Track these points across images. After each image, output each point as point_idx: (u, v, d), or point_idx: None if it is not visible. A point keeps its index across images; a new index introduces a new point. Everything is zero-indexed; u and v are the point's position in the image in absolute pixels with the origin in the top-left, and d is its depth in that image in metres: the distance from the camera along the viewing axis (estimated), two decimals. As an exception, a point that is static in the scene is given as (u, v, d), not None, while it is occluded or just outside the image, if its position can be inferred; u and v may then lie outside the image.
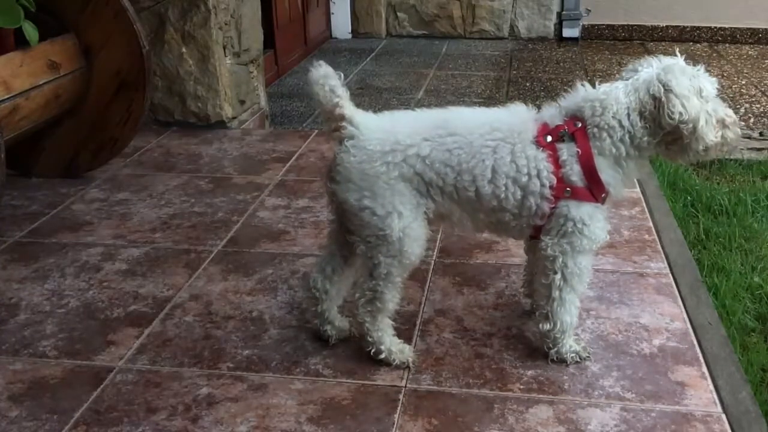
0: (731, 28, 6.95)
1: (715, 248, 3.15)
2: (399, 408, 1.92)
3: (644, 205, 3.08)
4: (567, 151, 1.93)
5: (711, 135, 1.89)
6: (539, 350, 2.12)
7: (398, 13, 7.28)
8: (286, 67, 5.95)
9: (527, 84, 5.65)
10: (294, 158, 3.72)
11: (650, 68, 1.94)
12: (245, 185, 3.38)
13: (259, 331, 2.26)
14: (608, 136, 1.92)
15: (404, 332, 2.19)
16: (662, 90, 1.87)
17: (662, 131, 1.91)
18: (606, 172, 1.94)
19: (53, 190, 3.35)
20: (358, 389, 2.00)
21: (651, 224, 2.92)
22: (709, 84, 1.93)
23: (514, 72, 6.01)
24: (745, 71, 5.97)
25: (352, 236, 1.99)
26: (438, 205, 1.98)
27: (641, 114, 1.91)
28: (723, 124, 1.92)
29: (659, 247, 2.74)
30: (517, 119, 1.98)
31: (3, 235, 2.93)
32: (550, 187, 1.93)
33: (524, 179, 1.92)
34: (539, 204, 1.94)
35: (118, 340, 2.24)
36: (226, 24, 4.00)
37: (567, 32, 7.11)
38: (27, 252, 2.80)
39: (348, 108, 1.94)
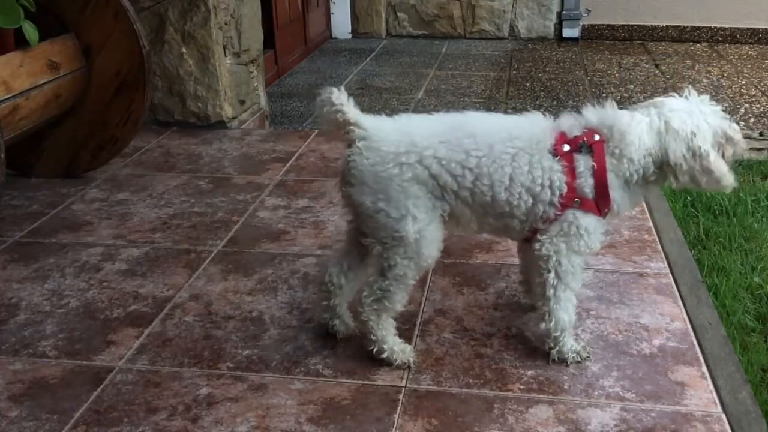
0: (731, 28, 6.96)
1: (715, 248, 3.15)
2: (399, 408, 1.92)
3: (644, 205, 3.07)
4: (584, 164, 1.95)
5: (727, 179, 1.94)
6: (539, 350, 2.12)
7: (398, 13, 7.29)
8: (286, 67, 5.96)
9: (527, 84, 5.65)
10: (294, 158, 3.72)
11: (662, 113, 1.96)
12: (245, 185, 3.38)
13: (259, 331, 2.26)
14: (626, 161, 1.95)
15: (404, 332, 2.19)
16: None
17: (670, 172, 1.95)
18: (616, 190, 1.97)
19: (53, 190, 3.35)
20: (358, 389, 2.00)
21: (651, 224, 2.92)
22: (715, 119, 1.95)
23: (514, 72, 6.01)
24: (745, 71, 5.97)
25: (367, 239, 1.99)
26: (451, 208, 1.99)
27: (654, 160, 1.95)
28: (733, 141, 1.96)
29: (659, 247, 2.74)
30: (536, 128, 1.99)
31: (3, 235, 2.93)
32: (560, 196, 1.94)
33: (537, 189, 1.94)
34: (546, 210, 1.96)
35: (118, 340, 2.24)
36: (226, 24, 4.00)
37: (567, 32, 7.11)
38: (27, 252, 2.80)
39: (351, 113, 1.95)
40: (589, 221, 1.96)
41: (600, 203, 1.96)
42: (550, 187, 1.94)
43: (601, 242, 2.02)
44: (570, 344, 2.07)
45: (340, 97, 1.93)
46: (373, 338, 2.04)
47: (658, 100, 2.02)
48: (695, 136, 1.91)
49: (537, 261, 2.02)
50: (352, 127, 1.95)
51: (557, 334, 2.05)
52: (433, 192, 1.94)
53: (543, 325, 2.06)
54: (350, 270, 2.11)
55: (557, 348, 2.06)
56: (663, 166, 1.94)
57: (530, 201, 1.95)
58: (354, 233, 2.10)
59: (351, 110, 1.95)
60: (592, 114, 2.01)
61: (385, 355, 2.05)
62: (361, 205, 1.95)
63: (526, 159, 1.94)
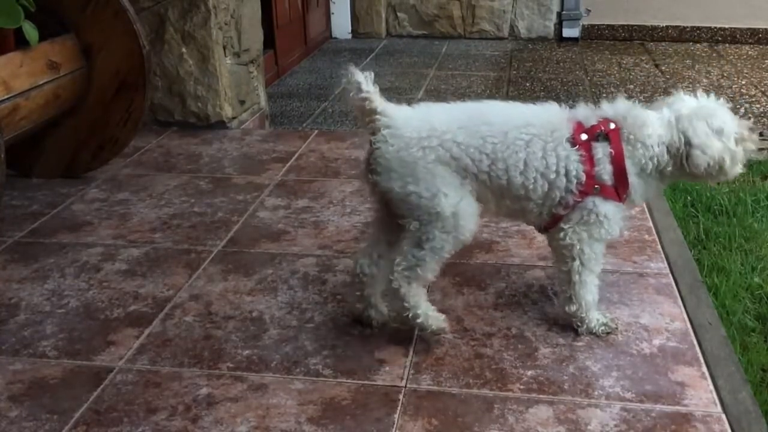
0: (731, 28, 6.95)
1: (715, 248, 3.15)
2: (399, 408, 1.92)
3: (644, 205, 3.07)
4: (602, 151, 2.03)
5: (737, 169, 2.05)
6: (539, 350, 2.13)
7: (398, 13, 7.28)
8: (286, 67, 5.96)
9: (527, 84, 5.65)
10: (294, 158, 3.72)
11: (680, 108, 2.06)
12: (245, 185, 3.38)
13: (259, 331, 2.26)
14: (641, 146, 2.03)
15: (404, 332, 2.19)
16: (683, 141, 2.01)
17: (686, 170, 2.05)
18: (633, 176, 2.06)
19: (53, 190, 3.35)
20: (358, 389, 2.00)
21: (651, 224, 2.92)
22: (728, 116, 2.05)
23: (514, 72, 6.01)
24: (745, 71, 5.97)
25: (403, 219, 2.03)
26: (473, 189, 2.04)
27: (668, 149, 2.03)
28: (742, 138, 2.05)
29: (659, 247, 2.74)
30: (552, 117, 2.07)
31: (3, 235, 2.93)
32: (579, 183, 2.02)
33: (552, 176, 2.02)
34: (564, 196, 2.04)
35: (118, 340, 2.24)
36: (226, 24, 4.00)
37: (567, 32, 7.11)
38: (27, 252, 2.80)
39: (377, 102, 1.99)
40: (608, 208, 2.05)
41: (619, 188, 2.04)
42: (566, 175, 2.01)
43: (621, 228, 2.11)
44: (596, 319, 2.17)
45: (368, 85, 1.97)
46: (407, 305, 2.05)
47: (669, 98, 2.13)
48: (714, 116, 2.02)
49: (561, 250, 2.12)
50: (378, 116, 1.99)
51: (583, 315, 2.16)
52: (458, 172, 2.00)
53: (570, 308, 2.16)
54: (381, 258, 2.14)
55: (585, 326, 2.17)
56: (679, 153, 2.01)
57: (546, 186, 2.03)
58: (380, 221, 2.15)
59: (377, 99, 1.99)
60: (607, 107, 2.11)
61: (420, 320, 2.07)
62: (390, 191, 1.99)
63: (540, 145, 2.01)
